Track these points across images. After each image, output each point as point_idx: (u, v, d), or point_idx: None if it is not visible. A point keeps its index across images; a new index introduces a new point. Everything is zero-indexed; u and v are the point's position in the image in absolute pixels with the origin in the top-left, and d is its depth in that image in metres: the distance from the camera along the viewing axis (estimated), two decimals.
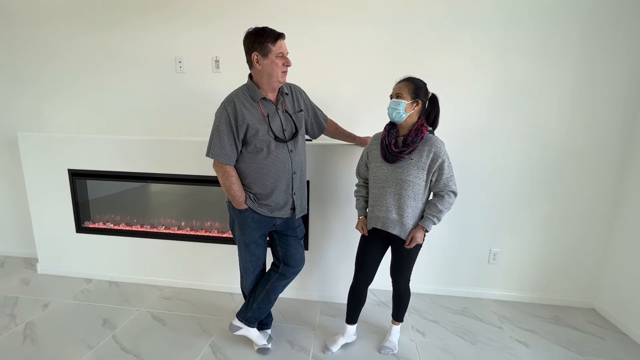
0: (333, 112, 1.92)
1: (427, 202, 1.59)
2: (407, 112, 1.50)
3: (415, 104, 1.51)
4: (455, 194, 1.55)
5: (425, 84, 1.54)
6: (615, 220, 2.15)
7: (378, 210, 1.59)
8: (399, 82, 1.54)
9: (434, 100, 1.58)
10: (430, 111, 1.58)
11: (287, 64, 1.49)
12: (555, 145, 2.11)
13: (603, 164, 2.11)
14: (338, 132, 1.89)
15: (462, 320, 2.10)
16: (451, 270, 2.36)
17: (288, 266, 1.71)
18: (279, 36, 1.46)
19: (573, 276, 2.26)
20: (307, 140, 1.95)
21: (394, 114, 1.51)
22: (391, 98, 1.53)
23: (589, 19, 1.96)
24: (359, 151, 1.91)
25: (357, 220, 1.74)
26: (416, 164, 1.51)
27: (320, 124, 1.79)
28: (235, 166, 1.56)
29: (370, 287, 1.76)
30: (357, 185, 1.77)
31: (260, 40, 1.43)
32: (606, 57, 1.99)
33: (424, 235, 1.57)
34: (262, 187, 1.56)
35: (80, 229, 2.43)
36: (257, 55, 1.45)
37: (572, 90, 2.04)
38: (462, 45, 2.07)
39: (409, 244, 1.56)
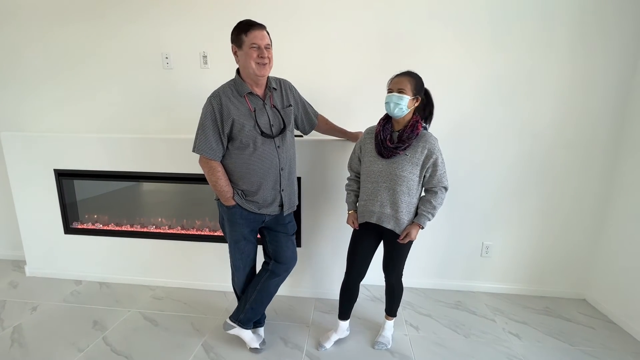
0: (323, 107, 1.90)
1: (421, 199, 1.58)
2: (408, 108, 1.48)
3: (415, 101, 1.49)
4: (446, 189, 1.55)
5: (422, 80, 1.52)
6: (605, 213, 2.17)
7: (372, 204, 1.57)
8: (400, 75, 1.49)
9: (427, 95, 1.57)
10: (424, 107, 1.57)
11: (261, 55, 1.42)
12: (547, 138, 2.12)
13: (594, 158, 2.12)
14: (329, 128, 1.88)
15: (455, 314, 2.11)
16: (444, 264, 2.36)
17: (278, 263, 1.69)
18: (252, 26, 1.41)
19: (564, 268, 2.28)
20: (298, 136, 1.93)
21: (396, 110, 1.47)
22: (390, 92, 1.49)
23: (581, 13, 1.95)
24: (350, 147, 1.89)
25: (348, 215, 1.72)
26: (410, 159, 1.50)
27: (310, 120, 1.77)
28: (222, 162, 1.54)
29: (363, 282, 1.75)
30: (348, 179, 1.75)
31: (236, 32, 1.43)
32: (597, 51, 1.99)
33: (418, 232, 1.57)
34: (249, 184, 1.54)
35: (68, 230, 2.39)
36: (235, 47, 1.46)
37: (564, 85, 2.04)
38: (454, 39, 2.05)
39: (402, 239, 1.56)
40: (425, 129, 1.56)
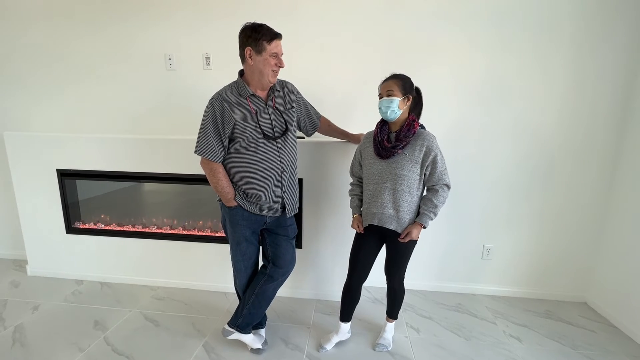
0: (324, 108, 1.91)
1: (422, 198, 1.59)
2: (400, 108, 1.50)
3: (406, 100, 1.52)
4: (448, 187, 1.55)
5: (410, 79, 1.54)
6: (606, 216, 2.17)
7: (374, 206, 1.58)
8: (387, 80, 1.53)
9: (418, 92, 1.59)
10: (415, 105, 1.59)
11: (279, 64, 1.48)
12: (548, 141, 2.12)
13: (595, 160, 2.12)
14: (331, 130, 1.88)
15: (456, 316, 2.11)
16: (445, 266, 2.36)
17: (276, 267, 1.67)
18: (276, 36, 1.44)
19: (565, 271, 2.28)
20: (300, 137, 1.94)
21: (388, 112, 1.50)
22: (380, 97, 1.53)
23: (580, 16, 1.96)
24: (352, 148, 1.90)
25: (351, 218, 1.73)
26: (409, 158, 1.51)
27: (313, 122, 1.78)
28: (223, 163, 1.55)
29: (364, 284, 1.75)
30: (351, 184, 1.76)
31: (256, 37, 1.42)
32: (597, 54, 1.99)
33: (420, 232, 1.57)
34: (251, 185, 1.55)
35: (70, 229, 2.40)
36: (251, 51, 1.44)
37: (565, 87, 2.05)
38: (454, 43, 2.06)
39: (403, 238, 1.56)
40: (423, 127, 1.57)
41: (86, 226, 2.42)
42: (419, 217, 1.55)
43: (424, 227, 1.56)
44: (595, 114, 2.06)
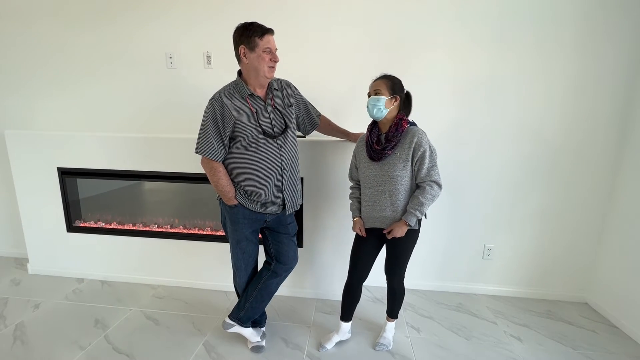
0: (324, 108, 1.90)
1: (411, 195, 1.56)
2: (387, 107, 1.51)
3: (394, 100, 1.53)
4: (438, 184, 1.51)
5: (400, 81, 1.55)
6: (607, 216, 2.16)
7: (372, 209, 1.58)
8: (376, 79, 1.55)
9: (408, 97, 1.60)
10: (404, 108, 1.60)
11: (274, 59, 1.47)
12: (549, 141, 2.12)
13: (596, 160, 2.11)
14: (331, 129, 1.88)
15: (456, 316, 2.10)
16: (446, 266, 2.36)
17: (280, 263, 1.70)
18: (267, 31, 1.45)
19: (566, 271, 2.28)
20: (300, 136, 1.93)
21: (374, 110, 1.52)
22: (369, 96, 1.54)
23: (581, 15, 1.95)
24: (352, 147, 1.89)
25: (351, 217, 1.72)
26: (400, 157, 1.51)
27: (312, 120, 1.78)
28: (224, 162, 1.56)
29: (364, 283, 1.75)
30: (350, 187, 1.76)
31: (248, 34, 1.42)
32: (598, 53, 1.98)
33: (404, 230, 1.54)
34: (252, 183, 1.55)
35: (71, 228, 2.40)
36: (244, 49, 1.45)
37: (566, 87, 2.04)
38: (454, 43, 2.05)
39: (388, 233, 1.55)
40: (413, 124, 1.57)
41: (87, 225, 2.42)
42: (405, 215, 1.52)
43: (410, 226, 1.53)
44: (596, 113, 2.06)
